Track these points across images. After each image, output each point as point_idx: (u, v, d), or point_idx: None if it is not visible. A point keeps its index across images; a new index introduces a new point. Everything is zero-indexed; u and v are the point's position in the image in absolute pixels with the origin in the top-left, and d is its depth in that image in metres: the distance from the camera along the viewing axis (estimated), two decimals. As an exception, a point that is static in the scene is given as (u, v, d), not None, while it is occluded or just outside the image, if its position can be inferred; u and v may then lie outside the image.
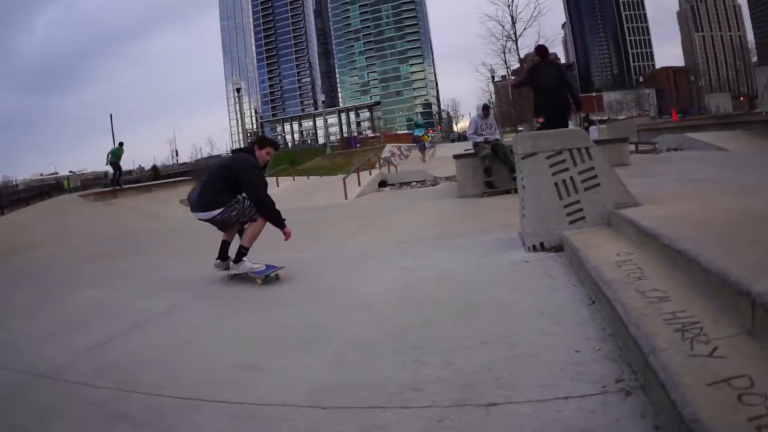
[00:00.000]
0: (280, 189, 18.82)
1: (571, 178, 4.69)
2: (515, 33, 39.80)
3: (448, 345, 2.82)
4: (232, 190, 4.80)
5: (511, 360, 2.51)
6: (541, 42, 38.36)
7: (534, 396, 2.14)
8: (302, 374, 2.65)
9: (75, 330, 3.90)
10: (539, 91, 8.56)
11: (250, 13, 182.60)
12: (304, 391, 2.45)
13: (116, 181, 19.79)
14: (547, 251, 4.57)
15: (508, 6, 40.01)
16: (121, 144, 20.64)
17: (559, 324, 2.86)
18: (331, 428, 2.13)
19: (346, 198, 14.16)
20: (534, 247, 4.67)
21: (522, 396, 2.16)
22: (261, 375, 2.71)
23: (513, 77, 43.52)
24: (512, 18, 39.66)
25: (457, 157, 11.56)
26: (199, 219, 4.88)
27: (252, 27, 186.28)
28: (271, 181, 20.69)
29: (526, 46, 40.01)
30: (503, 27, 39.97)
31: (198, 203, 4.80)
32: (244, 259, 4.78)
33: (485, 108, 11.14)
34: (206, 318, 3.96)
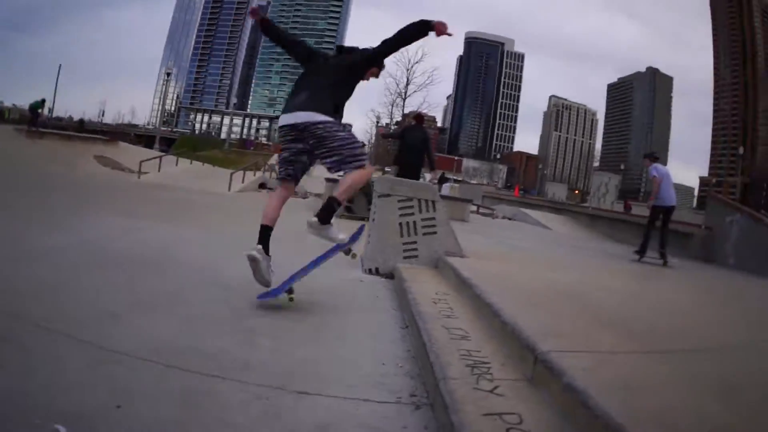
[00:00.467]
0: (178, 168, 17.49)
1: (414, 222, 4.72)
2: (405, 93, 40.53)
3: (284, 334, 2.65)
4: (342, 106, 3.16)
5: (329, 357, 2.39)
6: (424, 106, 39.59)
7: (339, 393, 2.06)
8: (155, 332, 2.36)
9: None
10: (405, 146, 8.78)
11: (200, 13, 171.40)
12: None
13: (33, 123, 19.75)
14: (381, 276, 4.52)
15: (407, 69, 40.63)
16: (43, 101, 21.41)
17: (375, 338, 2.79)
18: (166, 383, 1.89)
19: (229, 190, 13.42)
20: (370, 270, 4.61)
21: (330, 391, 2.06)
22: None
23: (389, 127, 44.40)
24: (407, 80, 40.31)
25: (328, 180, 11.44)
26: (292, 125, 3.04)
27: (197, 24, 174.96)
28: (171, 159, 19.25)
29: (411, 105, 40.96)
30: (398, 85, 40.51)
31: (309, 103, 3.04)
32: (332, 221, 3.10)
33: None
34: (89, 266, 3.37)
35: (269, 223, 3.20)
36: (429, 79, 44.59)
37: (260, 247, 3.09)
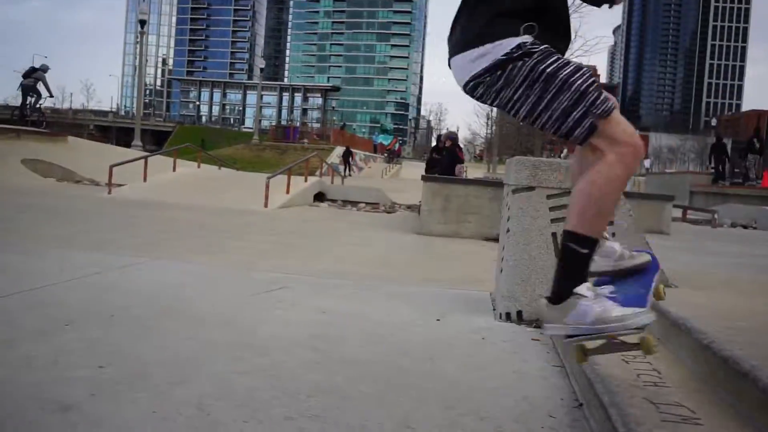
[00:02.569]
0: (176, 175, 18.48)
1: (577, 231, 4.63)
2: None
3: (359, 423, 2.67)
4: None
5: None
6: (579, 45, 38.03)
7: None
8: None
9: None
10: None
11: None
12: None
13: None
14: (526, 324, 4.49)
15: None
16: None
17: (528, 427, 2.74)
18: None
19: (266, 206, 13.97)
20: (508, 315, 4.60)
21: None
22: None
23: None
24: None
25: (428, 178, 11.57)
26: (462, 80, 2.65)
27: None
28: (165, 161, 20.37)
29: None
30: None
31: (453, 36, 2.68)
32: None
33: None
34: (10, 325, 3.68)
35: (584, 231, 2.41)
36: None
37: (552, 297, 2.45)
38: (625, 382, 2.77)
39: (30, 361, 3.19)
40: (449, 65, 2.69)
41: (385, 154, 55.58)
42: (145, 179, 16.58)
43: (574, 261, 2.35)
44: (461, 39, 2.56)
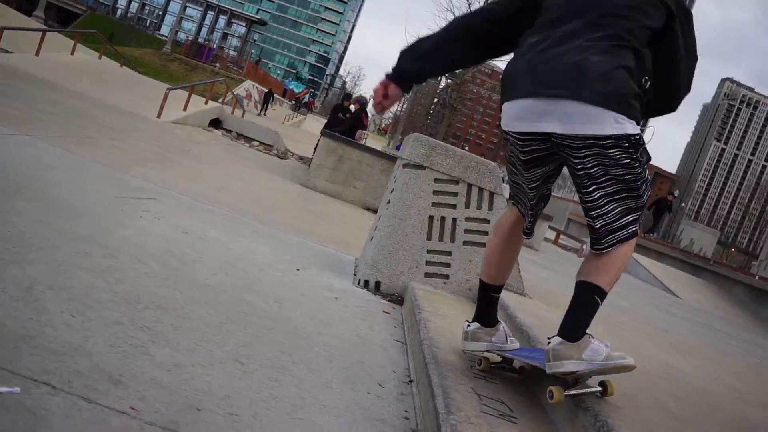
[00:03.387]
0: (73, 59, 17.60)
1: (454, 220, 4.72)
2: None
3: (189, 345, 2.62)
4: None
5: (258, 406, 2.35)
6: None
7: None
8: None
9: None
10: None
11: None
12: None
13: None
14: (381, 296, 4.54)
15: None
16: None
17: (355, 389, 2.77)
18: None
19: (159, 116, 13.52)
20: (366, 283, 4.63)
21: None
22: None
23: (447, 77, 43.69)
24: None
25: (327, 134, 11.49)
26: (537, 134, 2.60)
27: None
28: (65, 42, 19.34)
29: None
30: (470, 5, 39.84)
31: (581, 77, 2.46)
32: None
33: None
34: None
35: (490, 280, 3.01)
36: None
37: (476, 326, 2.96)
38: (458, 370, 2.84)
39: None
40: (531, 91, 2.57)
41: (293, 102, 54.85)
42: (37, 53, 15.64)
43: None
44: (607, 94, 2.45)
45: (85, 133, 8.11)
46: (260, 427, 2.19)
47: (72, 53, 18.18)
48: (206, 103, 17.72)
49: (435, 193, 4.74)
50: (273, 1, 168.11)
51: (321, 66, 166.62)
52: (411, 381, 3.07)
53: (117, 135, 9.04)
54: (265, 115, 36.40)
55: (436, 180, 4.75)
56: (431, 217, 4.71)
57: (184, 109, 15.11)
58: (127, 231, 4.06)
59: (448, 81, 51.42)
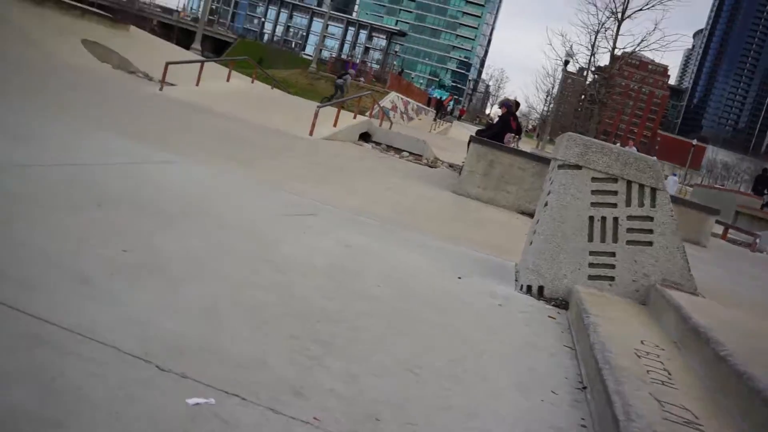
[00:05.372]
0: (228, 86, 18.50)
1: (616, 219, 4.59)
2: (624, 9, 37.82)
3: (363, 356, 2.70)
4: None
5: (433, 416, 2.38)
6: (651, 40, 36.08)
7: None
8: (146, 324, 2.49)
9: None
10: None
11: None
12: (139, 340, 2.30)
13: None
14: (545, 301, 4.48)
15: None
16: None
17: (528, 397, 2.75)
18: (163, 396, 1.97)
19: (311, 134, 13.94)
20: (529, 288, 4.59)
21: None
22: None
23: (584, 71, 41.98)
24: None
25: (475, 140, 11.45)
26: None
27: None
28: (220, 70, 20.37)
29: (630, 34, 38.29)
30: None
31: None
32: None
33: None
34: (47, 192, 3.77)
35: None
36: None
37: None
38: (634, 375, 2.76)
39: (60, 231, 3.26)
40: None
41: (437, 110, 55.17)
42: (198, 83, 16.58)
43: None
44: None
45: (245, 155, 8.51)
46: (437, 435, 2.22)
47: (227, 80, 19.16)
48: (354, 117, 18.11)
49: (593, 192, 4.63)
50: (411, 11, 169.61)
51: (463, 72, 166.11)
52: (584, 387, 3.01)
53: (274, 155, 9.43)
54: (440, 120, 37.13)
55: (594, 179, 4.64)
56: (591, 218, 4.60)
57: (334, 125, 15.51)
58: (293, 247, 4.23)
59: (595, 76, 49.90)
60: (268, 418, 2.01)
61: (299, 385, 2.29)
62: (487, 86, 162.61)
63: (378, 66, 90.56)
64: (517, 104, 12.57)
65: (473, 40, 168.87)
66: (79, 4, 20.37)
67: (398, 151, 17.15)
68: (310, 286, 3.48)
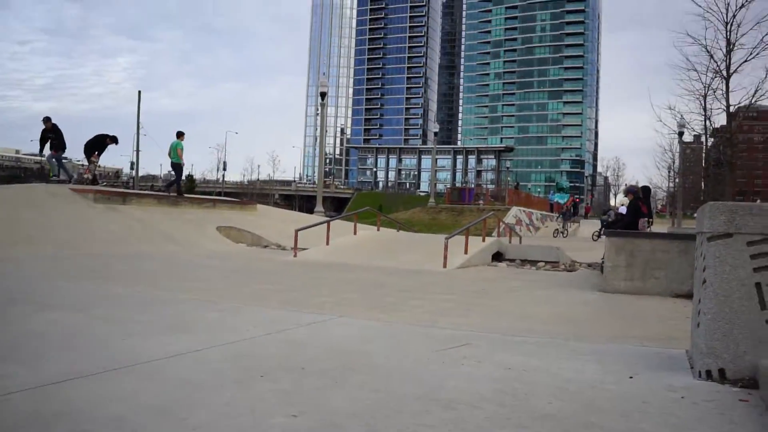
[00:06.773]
0: (356, 238, 19.00)
1: (787, 281, 4.29)
2: (728, 66, 35.13)
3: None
4: None
5: None
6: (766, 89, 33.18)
7: None
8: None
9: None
10: None
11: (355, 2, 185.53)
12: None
13: (172, 187, 22.15)
14: (730, 384, 4.17)
15: (726, 24, 33.92)
16: (180, 134, 21.45)
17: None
18: None
19: (444, 266, 13.99)
20: (709, 373, 4.28)
21: None
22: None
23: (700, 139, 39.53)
24: (728, 42, 34.04)
25: (610, 234, 11.21)
26: None
27: (354, 15, 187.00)
28: (345, 225, 21.08)
29: (742, 88, 35.06)
30: (711, 56, 35.56)
31: None
32: None
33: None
34: (213, 374, 3.91)
35: None
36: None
37: None
38: None
39: (231, 407, 3.35)
40: None
41: (560, 215, 54.55)
42: (327, 242, 17.16)
43: None
44: None
45: (386, 300, 8.59)
46: None
47: (354, 233, 19.68)
48: (483, 240, 18.08)
49: (753, 257, 4.36)
50: (512, 126, 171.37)
51: (578, 170, 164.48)
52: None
53: (414, 294, 9.48)
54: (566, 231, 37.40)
55: (750, 243, 4.38)
56: (758, 284, 4.32)
57: (465, 252, 15.51)
58: (456, 381, 4.17)
59: (714, 139, 48.04)
60: None
61: None
62: (605, 178, 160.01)
63: (493, 186, 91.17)
64: (646, 188, 12.22)
65: (580, 137, 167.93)
66: (209, 197, 22.05)
67: (533, 263, 16.92)
68: (481, 417, 3.39)
